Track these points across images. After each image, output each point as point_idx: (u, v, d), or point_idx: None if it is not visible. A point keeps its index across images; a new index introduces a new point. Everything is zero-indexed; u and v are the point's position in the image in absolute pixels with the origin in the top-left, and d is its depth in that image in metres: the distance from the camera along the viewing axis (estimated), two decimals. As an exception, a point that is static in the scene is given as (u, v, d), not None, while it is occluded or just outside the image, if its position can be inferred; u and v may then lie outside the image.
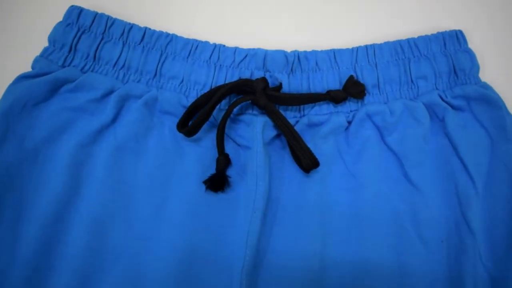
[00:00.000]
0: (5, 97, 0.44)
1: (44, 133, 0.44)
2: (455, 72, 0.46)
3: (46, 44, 0.46)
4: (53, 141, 0.44)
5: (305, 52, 0.47)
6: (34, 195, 0.42)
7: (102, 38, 0.46)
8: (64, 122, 0.44)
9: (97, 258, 0.42)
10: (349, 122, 0.46)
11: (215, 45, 0.47)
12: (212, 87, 0.46)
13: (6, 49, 0.50)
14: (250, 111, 0.46)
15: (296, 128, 0.45)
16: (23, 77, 0.45)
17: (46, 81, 0.44)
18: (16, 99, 0.43)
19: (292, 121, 0.45)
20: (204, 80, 0.46)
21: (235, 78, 0.46)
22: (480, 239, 0.43)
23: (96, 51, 0.46)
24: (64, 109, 0.45)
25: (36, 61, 0.46)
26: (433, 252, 0.43)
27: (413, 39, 0.47)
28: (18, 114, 0.44)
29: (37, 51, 0.46)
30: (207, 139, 0.45)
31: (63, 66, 0.46)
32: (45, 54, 0.46)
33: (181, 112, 0.44)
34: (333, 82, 0.46)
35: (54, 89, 0.45)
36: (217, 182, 0.43)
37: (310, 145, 0.43)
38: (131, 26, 0.47)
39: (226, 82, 0.46)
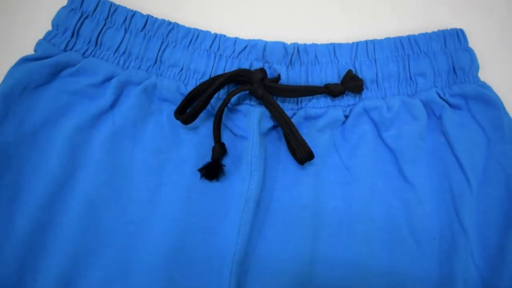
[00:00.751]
0: (7, 78, 0.44)
1: (44, 116, 0.44)
2: (454, 70, 0.46)
3: (49, 28, 0.47)
4: (52, 123, 0.44)
5: (304, 44, 0.47)
6: (31, 176, 0.43)
7: (105, 24, 0.47)
8: (63, 105, 0.45)
9: (90, 241, 0.42)
10: (346, 116, 0.46)
11: (215, 35, 0.47)
12: (211, 76, 0.46)
13: (10, 31, 0.50)
14: (247, 102, 0.46)
15: (293, 120, 0.45)
16: (25, 60, 0.45)
17: (47, 64, 0.45)
18: (18, 81, 0.44)
19: (289, 113, 0.45)
20: (204, 69, 0.46)
21: (234, 68, 0.46)
22: (472, 239, 0.42)
23: (98, 36, 0.46)
24: (64, 92, 0.45)
25: (39, 44, 0.46)
26: (425, 250, 0.43)
27: (413, 36, 0.47)
28: (19, 96, 0.44)
29: (41, 35, 0.46)
30: (204, 127, 0.45)
31: (65, 50, 0.46)
32: (48, 37, 0.46)
33: (179, 99, 0.44)
34: (331, 75, 0.46)
35: (55, 72, 0.45)
36: (212, 171, 0.43)
37: (306, 138, 0.43)
38: (134, 13, 0.47)
39: (225, 71, 0.46)
